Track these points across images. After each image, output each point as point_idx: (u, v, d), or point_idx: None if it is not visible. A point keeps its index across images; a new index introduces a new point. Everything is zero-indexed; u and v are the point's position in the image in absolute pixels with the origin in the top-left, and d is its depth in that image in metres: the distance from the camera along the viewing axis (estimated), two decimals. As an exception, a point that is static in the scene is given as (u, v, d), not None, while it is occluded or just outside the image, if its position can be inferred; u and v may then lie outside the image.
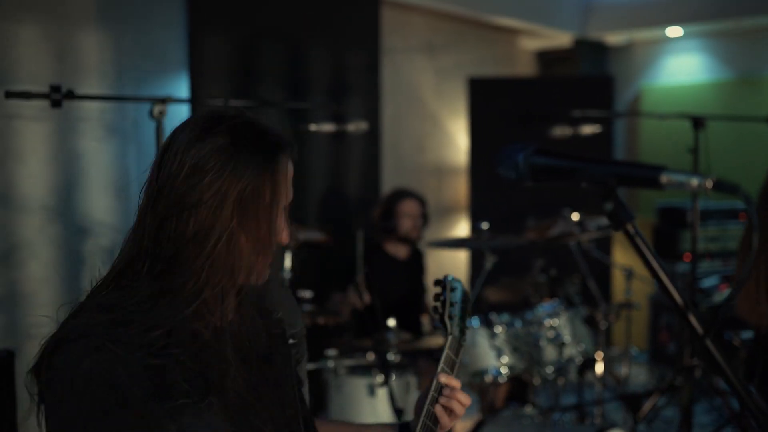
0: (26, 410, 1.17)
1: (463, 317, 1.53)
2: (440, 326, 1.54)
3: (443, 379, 1.43)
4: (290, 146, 1.24)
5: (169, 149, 1.19)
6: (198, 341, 1.17)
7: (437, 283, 1.56)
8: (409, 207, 3.98)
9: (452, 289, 1.54)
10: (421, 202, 4.06)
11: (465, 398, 1.43)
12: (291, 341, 1.37)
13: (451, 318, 1.51)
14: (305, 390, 1.42)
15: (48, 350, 1.12)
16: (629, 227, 0.88)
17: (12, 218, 3.45)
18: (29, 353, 3.45)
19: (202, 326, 1.18)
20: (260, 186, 1.18)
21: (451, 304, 1.52)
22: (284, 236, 1.24)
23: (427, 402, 1.42)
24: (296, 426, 1.28)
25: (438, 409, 1.42)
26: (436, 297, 1.54)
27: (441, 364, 1.46)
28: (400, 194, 4.04)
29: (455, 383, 1.44)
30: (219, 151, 1.16)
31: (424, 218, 4.06)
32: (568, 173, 0.90)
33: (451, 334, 1.50)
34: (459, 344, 1.50)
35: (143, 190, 1.22)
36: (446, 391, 1.42)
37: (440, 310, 1.52)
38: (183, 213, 1.16)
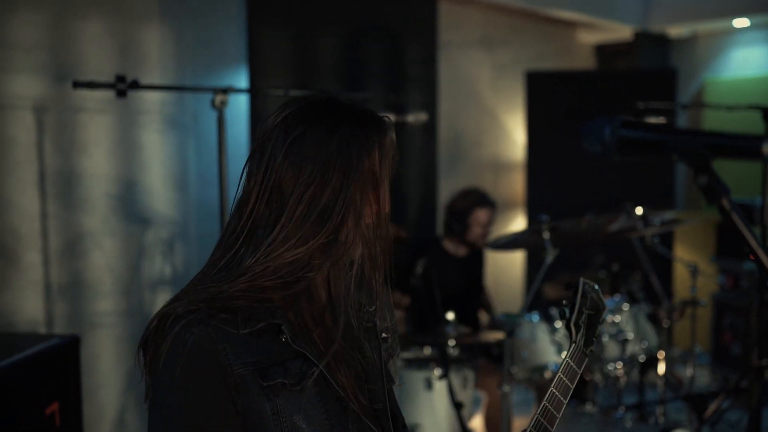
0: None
1: (592, 328, 1.45)
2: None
3: None
4: (390, 124, 1.24)
5: (269, 138, 1.20)
6: (300, 324, 1.18)
7: (569, 286, 1.46)
8: (485, 216, 3.90)
9: (584, 295, 1.45)
10: (495, 209, 4.00)
11: None
12: (383, 335, 1.34)
13: (577, 326, 1.42)
14: (395, 389, 1.37)
15: (157, 324, 1.15)
16: (725, 202, 0.83)
17: (77, 209, 3.53)
18: (93, 341, 3.53)
19: (305, 308, 1.19)
20: (363, 165, 1.17)
21: (580, 311, 1.43)
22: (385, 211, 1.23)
23: None
24: (385, 421, 1.26)
25: None
26: (566, 301, 1.45)
27: (559, 374, 1.39)
28: (481, 201, 3.92)
29: None
30: (321, 134, 1.17)
31: (491, 224, 4.00)
32: (657, 146, 0.85)
33: (575, 342, 1.42)
34: (583, 355, 1.42)
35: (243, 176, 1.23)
36: None
37: (567, 315, 1.43)
38: (290, 196, 1.16)
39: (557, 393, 1.37)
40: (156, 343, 1.14)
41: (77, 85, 2.42)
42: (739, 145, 0.81)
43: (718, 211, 0.85)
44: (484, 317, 3.99)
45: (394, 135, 1.24)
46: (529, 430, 1.34)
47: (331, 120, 1.18)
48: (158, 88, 2.64)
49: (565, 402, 1.38)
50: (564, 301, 1.45)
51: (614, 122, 0.90)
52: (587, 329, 1.44)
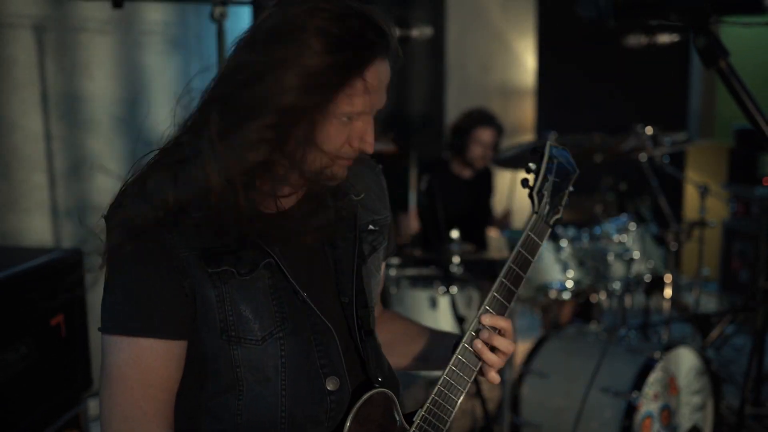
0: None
1: (558, 194, 1.28)
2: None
3: (487, 320, 1.22)
4: (389, 47, 1.14)
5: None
6: (253, 217, 1.14)
7: (534, 151, 1.29)
8: (485, 135, 3.87)
9: (550, 159, 1.27)
10: (499, 131, 3.95)
11: (505, 345, 1.23)
12: (371, 228, 1.29)
13: (540, 194, 1.26)
14: (376, 282, 1.31)
15: (107, 215, 1.16)
16: (723, 64, 0.80)
17: (80, 131, 3.50)
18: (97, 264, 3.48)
19: (260, 204, 1.15)
20: (344, 83, 1.10)
21: (545, 178, 1.27)
22: (369, 144, 1.15)
23: (464, 340, 1.23)
24: (350, 315, 1.21)
25: (477, 345, 1.22)
26: (528, 168, 1.28)
27: (518, 247, 1.26)
28: (481, 120, 3.90)
29: (503, 323, 1.23)
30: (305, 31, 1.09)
31: (495, 147, 3.96)
32: (655, 6, 0.81)
33: (536, 212, 1.27)
34: (546, 225, 1.28)
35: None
36: (484, 335, 1.22)
37: (531, 183, 1.27)
38: (248, 82, 1.14)
39: (515, 267, 1.26)
40: (106, 233, 1.14)
41: (72, -6, 2.37)
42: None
43: (718, 76, 0.81)
44: (494, 234, 3.99)
45: (387, 64, 1.13)
46: (487, 301, 1.25)
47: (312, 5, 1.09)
48: (155, -1, 2.57)
49: (524, 276, 1.27)
50: (529, 165, 1.28)
51: (610, -16, 0.87)
52: (551, 197, 1.28)
